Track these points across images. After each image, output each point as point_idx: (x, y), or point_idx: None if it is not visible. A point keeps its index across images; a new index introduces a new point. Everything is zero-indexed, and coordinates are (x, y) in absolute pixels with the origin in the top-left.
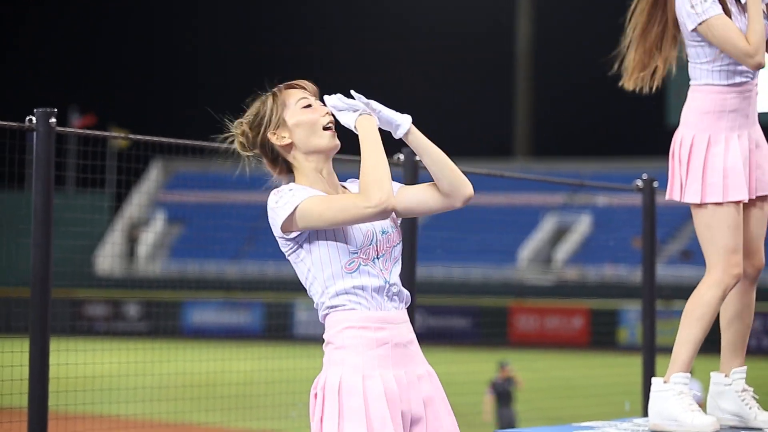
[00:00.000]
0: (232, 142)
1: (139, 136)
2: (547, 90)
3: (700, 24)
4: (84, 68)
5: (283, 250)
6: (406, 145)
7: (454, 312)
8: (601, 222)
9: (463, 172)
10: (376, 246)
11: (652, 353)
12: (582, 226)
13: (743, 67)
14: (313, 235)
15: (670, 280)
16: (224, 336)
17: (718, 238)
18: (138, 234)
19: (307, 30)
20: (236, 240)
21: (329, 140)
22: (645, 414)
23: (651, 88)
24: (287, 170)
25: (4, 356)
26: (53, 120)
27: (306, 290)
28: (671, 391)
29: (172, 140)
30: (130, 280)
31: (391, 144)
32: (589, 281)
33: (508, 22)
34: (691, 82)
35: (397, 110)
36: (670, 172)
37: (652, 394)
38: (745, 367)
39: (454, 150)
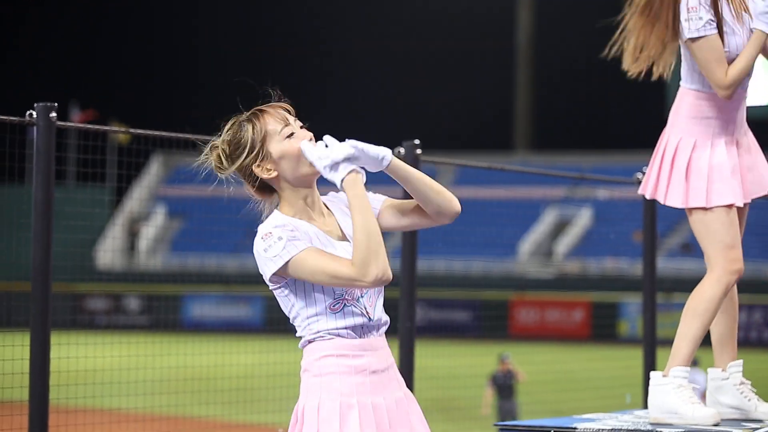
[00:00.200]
0: (202, 161)
1: (139, 131)
2: (547, 83)
3: (689, 39)
4: (84, 63)
5: (268, 284)
6: (405, 139)
7: (455, 305)
8: (601, 215)
9: (464, 165)
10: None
11: (652, 346)
12: (583, 219)
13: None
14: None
15: (671, 273)
16: (225, 329)
17: (713, 236)
18: (138, 228)
19: (305, 24)
20: (236, 234)
21: (312, 168)
22: (646, 406)
23: (652, 74)
24: (270, 193)
25: (5, 350)
26: (53, 114)
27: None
28: (671, 384)
29: (172, 134)
30: (131, 274)
31: (392, 136)
32: (589, 274)
33: (508, 14)
34: (681, 83)
35: (398, 103)
36: (653, 171)
37: (651, 388)
38: (741, 361)
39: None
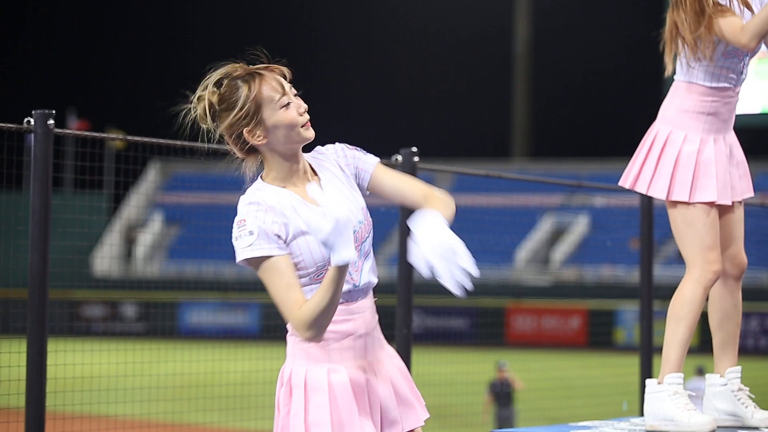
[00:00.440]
0: (185, 113)
1: (136, 138)
2: (545, 91)
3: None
4: (82, 70)
5: None
6: (403, 147)
7: (452, 312)
8: (598, 223)
9: (461, 173)
10: None
11: (649, 353)
12: (580, 226)
13: (730, 73)
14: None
15: (668, 280)
16: (221, 336)
17: (693, 235)
18: (135, 235)
19: (304, 33)
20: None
21: (305, 135)
22: (642, 414)
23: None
24: (254, 155)
25: (2, 357)
26: (51, 122)
27: None
28: (666, 391)
29: (169, 141)
30: (128, 281)
31: (390, 144)
32: (586, 282)
33: (506, 23)
34: (675, 77)
35: (396, 111)
36: (637, 162)
37: (646, 396)
38: (739, 367)
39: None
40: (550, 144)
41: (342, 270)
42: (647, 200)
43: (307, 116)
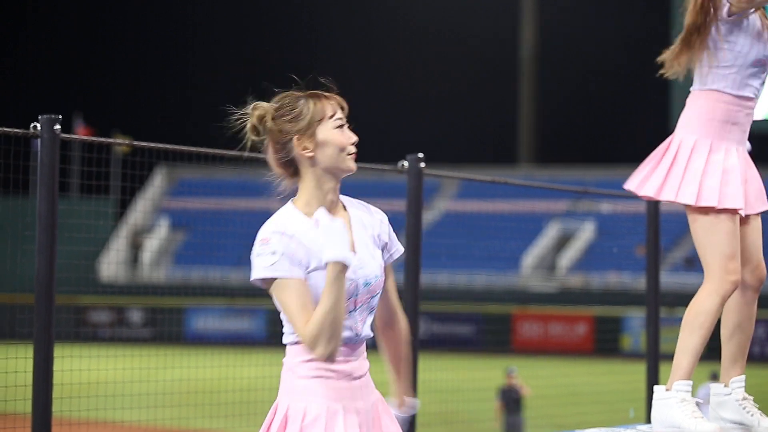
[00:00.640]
0: (237, 121)
1: (142, 143)
2: (551, 97)
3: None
4: (88, 75)
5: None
6: (409, 152)
7: (458, 319)
8: (604, 229)
9: (467, 179)
10: (355, 299)
11: (656, 360)
12: (586, 233)
13: (754, 82)
14: None
15: (674, 287)
16: (228, 342)
17: (715, 244)
18: (142, 240)
19: (309, 38)
20: (240, 246)
21: (349, 164)
22: (649, 421)
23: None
24: (291, 173)
25: (9, 362)
26: (58, 127)
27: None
28: (674, 398)
29: (176, 147)
30: (134, 287)
31: (396, 150)
32: (592, 288)
33: (512, 29)
34: (696, 87)
35: (402, 116)
36: (659, 171)
37: (654, 402)
38: (743, 376)
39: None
40: (556, 150)
41: (337, 269)
42: (654, 207)
43: (354, 148)
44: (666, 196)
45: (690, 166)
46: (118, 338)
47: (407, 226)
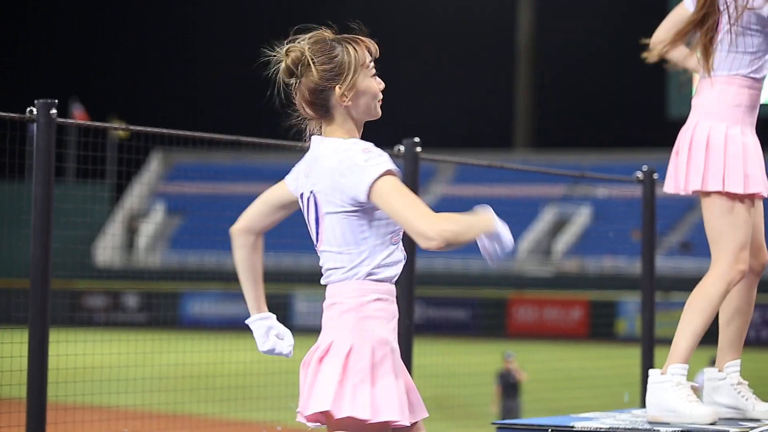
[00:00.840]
0: (268, 62)
1: (139, 127)
2: (547, 81)
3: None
4: (84, 59)
5: (337, 204)
6: (405, 137)
7: (454, 303)
8: (600, 213)
9: (464, 163)
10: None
11: (651, 345)
12: (582, 217)
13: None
14: None
15: (670, 271)
16: (223, 327)
17: (729, 232)
18: (138, 225)
19: (306, 21)
20: None
21: (378, 111)
22: (644, 405)
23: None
24: (321, 116)
25: (4, 347)
26: (54, 111)
27: (333, 249)
28: (669, 382)
29: (172, 131)
30: (130, 271)
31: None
32: (588, 273)
33: (509, 13)
34: (716, 73)
35: (398, 101)
36: (694, 163)
37: (649, 386)
38: (738, 360)
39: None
40: (553, 135)
41: (485, 224)
42: (649, 191)
43: (382, 95)
44: (713, 186)
45: (728, 154)
46: (113, 323)
47: None
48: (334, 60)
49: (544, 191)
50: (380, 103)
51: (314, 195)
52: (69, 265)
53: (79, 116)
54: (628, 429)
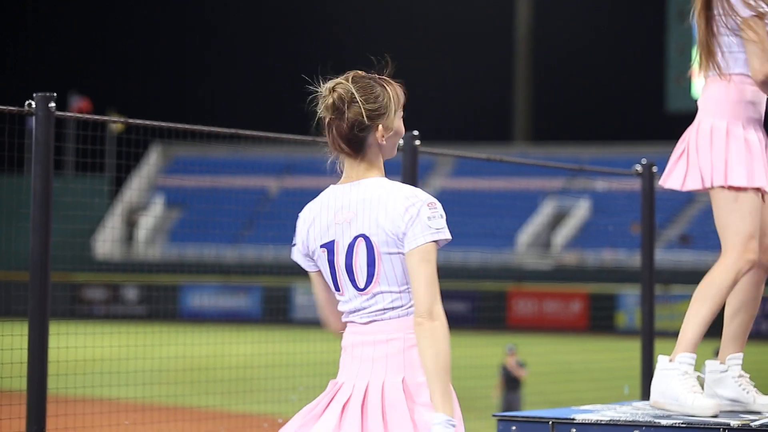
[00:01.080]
0: (312, 101)
1: (138, 121)
2: (546, 75)
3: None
4: (83, 53)
5: (394, 245)
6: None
7: (453, 296)
8: (600, 207)
9: (463, 157)
10: None
11: (650, 337)
12: (581, 210)
13: None
14: None
15: (669, 264)
16: (223, 320)
17: (737, 222)
18: (137, 218)
19: (305, 14)
20: (235, 224)
21: (395, 153)
22: (644, 397)
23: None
24: (353, 153)
25: (4, 339)
26: (53, 104)
27: (362, 281)
28: (676, 370)
29: (171, 125)
30: (129, 264)
31: None
32: (587, 266)
33: (507, 5)
34: (715, 73)
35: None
36: (685, 162)
37: (656, 372)
38: (741, 354)
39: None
40: (552, 128)
41: (449, 403)
42: (649, 184)
43: None
44: (716, 182)
45: (730, 150)
46: (113, 315)
47: None
48: (378, 99)
49: (543, 184)
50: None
51: (366, 238)
52: (69, 258)
53: (82, 105)
54: (629, 421)
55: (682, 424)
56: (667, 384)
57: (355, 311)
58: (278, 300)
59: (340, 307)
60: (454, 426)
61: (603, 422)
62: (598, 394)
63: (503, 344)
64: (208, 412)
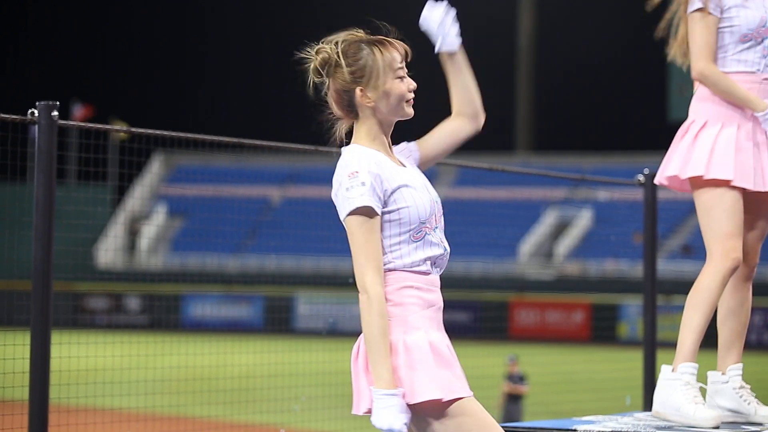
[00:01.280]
0: (301, 60)
1: (140, 129)
2: (548, 84)
3: (692, 11)
4: (86, 61)
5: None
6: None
7: (455, 306)
8: (602, 217)
9: (465, 166)
10: (435, 215)
11: (652, 348)
12: (583, 220)
13: (748, 57)
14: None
15: (671, 275)
16: (225, 329)
17: (716, 222)
18: (139, 227)
19: (307, 23)
20: (237, 233)
21: (407, 111)
22: (646, 408)
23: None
24: (350, 115)
25: (6, 349)
26: (55, 113)
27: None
28: (679, 381)
29: (173, 133)
30: (131, 273)
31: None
32: (590, 276)
33: (509, 16)
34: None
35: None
36: (673, 153)
37: (659, 381)
38: (741, 364)
39: None
40: (554, 137)
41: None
42: (651, 194)
43: (413, 94)
44: (696, 171)
45: (697, 143)
46: (115, 325)
47: None
48: (359, 62)
49: (546, 194)
50: (410, 103)
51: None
52: (71, 267)
53: (84, 112)
54: None
55: None
56: (669, 394)
57: None
58: (280, 310)
59: None
60: (388, 396)
61: None
62: (600, 404)
63: (505, 354)
64: (210, 422)
